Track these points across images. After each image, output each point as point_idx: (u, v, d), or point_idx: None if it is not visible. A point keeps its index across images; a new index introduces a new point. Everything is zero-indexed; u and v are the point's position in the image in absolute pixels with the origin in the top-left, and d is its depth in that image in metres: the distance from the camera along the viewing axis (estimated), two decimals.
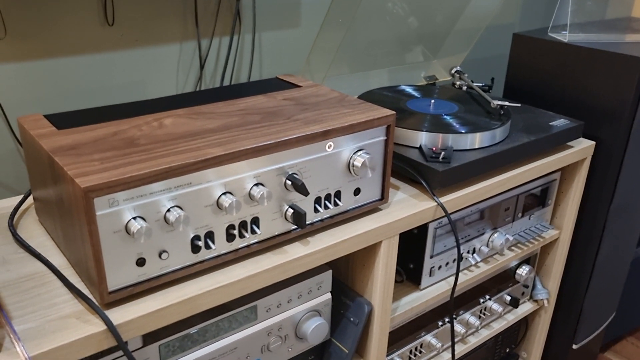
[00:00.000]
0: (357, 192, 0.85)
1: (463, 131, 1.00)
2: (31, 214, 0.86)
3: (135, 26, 1.05)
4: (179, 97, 0.91)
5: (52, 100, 1.01)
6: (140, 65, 1.09)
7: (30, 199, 0.89)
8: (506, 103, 1.11)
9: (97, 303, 0.65)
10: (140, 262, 0.66)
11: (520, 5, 1.74)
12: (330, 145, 0.79)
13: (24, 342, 0.60)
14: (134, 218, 0.64)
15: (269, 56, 1.26)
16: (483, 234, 1.11)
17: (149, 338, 0.72)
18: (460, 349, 1.20)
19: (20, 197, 0.89)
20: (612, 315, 1.57)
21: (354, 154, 0.82)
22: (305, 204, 0.80)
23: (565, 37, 1.29)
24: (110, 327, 0.63)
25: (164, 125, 0.77)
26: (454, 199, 0.95)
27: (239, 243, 0.75)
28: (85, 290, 0.68)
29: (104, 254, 0.63)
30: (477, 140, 1.00)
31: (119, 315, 0.65)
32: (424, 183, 0.93)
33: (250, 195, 0.73)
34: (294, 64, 1.30)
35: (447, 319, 1.15)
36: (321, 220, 0.82)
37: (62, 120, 0.78)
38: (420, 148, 0.99)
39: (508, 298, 1.27)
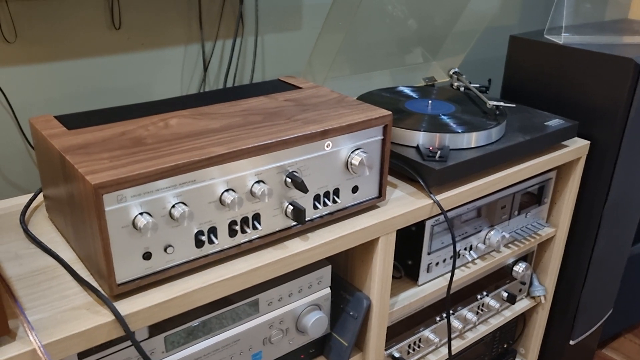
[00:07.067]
0: (355, 189, 0.88)
1: (459, 131, 1.03)
2: (41, 211, 0.89)
3: (141, 30, 1.09)
4: (184, 98, 0.94)
5: (61, 101, 1.04)
6: (146, 67, 1.12)
7: (40, 197, 0.93)
8: (501, 103, 1.13)
9: (106, 295, 0.68)
10: (147, 256, 0.69)
11: (520, 7, 1.76)
12: (329, 144, 0.82)
13: (37, 331, 0.63)
14: (141, 214, 0.67)
15: (272, 58, 1.29)
16: (480, 231, 1.13)
17: (154, 330, 0.75)
18: (458, 344, 1.22)
19: (31, 195, 0.92)
20: (609, 312, 1.59)
21: (352, 152, 0.85)
22: (305, 201, 0.83)
23: (560, 39, 1.31)
24: (119, 318, 0.66)
25: (170, 125, 0.80)
26: (450, 196, 0.98)
27: (241, 238, 0.78)
28: (95, 283, 0.71)
29: (112, 248, 0.66)
30: (473, 139, 1.03)
31: (126, 306, 0.68)
32: (420, 181, 0.96)
33: (251, 192, 0.76)
34: (296, 65, 1.33)
35: (445, 315, 1.17)
36: (320, 217, 0.85)
37: (72, 121, 0.81)
38: (417, 147, 1.02)
39: (505, 294, 1.29)
